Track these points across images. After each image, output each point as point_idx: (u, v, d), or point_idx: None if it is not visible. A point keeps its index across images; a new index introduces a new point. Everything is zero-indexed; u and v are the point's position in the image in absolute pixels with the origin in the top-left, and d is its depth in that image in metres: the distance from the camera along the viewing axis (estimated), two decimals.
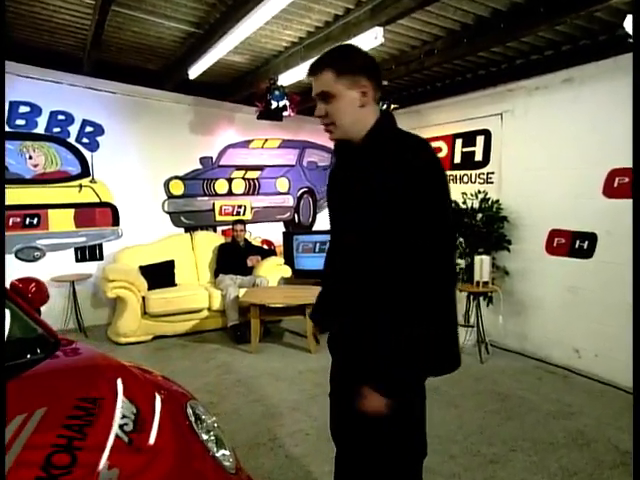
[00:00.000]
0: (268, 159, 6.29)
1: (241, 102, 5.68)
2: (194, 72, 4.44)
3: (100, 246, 5.28)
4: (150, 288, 4.79)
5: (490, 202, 4.34)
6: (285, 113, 4.72)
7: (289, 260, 5.77)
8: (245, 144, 6.12)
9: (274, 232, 6.29)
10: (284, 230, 6.38)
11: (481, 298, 4.26)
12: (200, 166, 5.84)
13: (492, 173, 4.56)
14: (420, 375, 1.30)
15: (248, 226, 5.82)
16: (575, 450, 2.68)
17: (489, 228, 4.29)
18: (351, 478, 1.54)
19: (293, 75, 4.35)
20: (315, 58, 1.33)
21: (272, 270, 5.34)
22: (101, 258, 5.27)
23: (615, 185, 3.52)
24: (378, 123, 1.31)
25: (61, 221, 5.05)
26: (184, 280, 5.27)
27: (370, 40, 3.26)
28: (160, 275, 5.06)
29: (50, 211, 4.98)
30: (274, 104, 4.57)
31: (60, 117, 4.98)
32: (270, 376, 3.82)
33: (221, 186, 6.00)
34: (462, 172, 4.89)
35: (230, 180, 6.05)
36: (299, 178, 6.53)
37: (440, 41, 3.76)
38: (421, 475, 1.47)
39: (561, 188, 3.91)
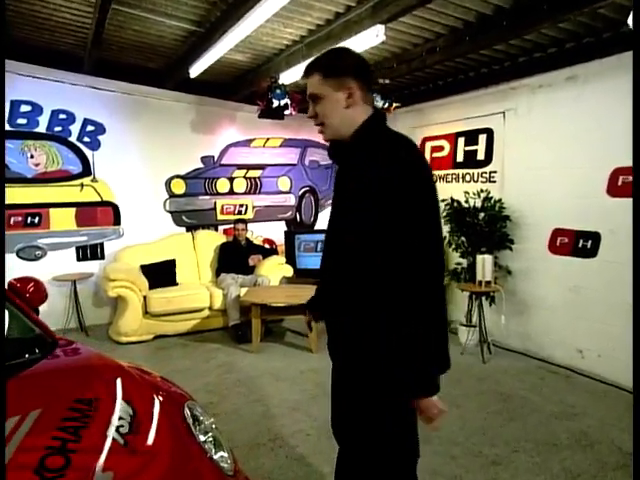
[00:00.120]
0: (270, 158, 6.27)
1: (242, 101, 5.66)
2: (195, 71, 4.42)
3: (101, 245, 5.27)
4: (151, 287, 4.78)
5: (492, 201, 4.31)
6: (286, 112, 4.70)
7: (291, 259, 5.75)
8: (247, 143, 6.10)
9: (276, 231, 6.28)
10: (286, 229, 6.36)
11: (483, 298, 4.23)
12: (201, 165, 5.82)
13: (494, 172, 4.53)
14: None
15: (250, 225, 5.80)
16: (578, 451, 2.66)
17: (491, 227, 4.26)
18: (351, 476, 1.55)
19: (294, 73, 4.33)
20: (310, 60, 1.39)
21: (274, 269, 5.32)
22: (102, 257, 5.27)
23: (619, 184, 3.48)
24: (365, 122, 1.34)
25: (62, 220, 5.04)
26: (185, 279, 5.25)
27: (371, 38, 3.24)
28: (161, 274, 5.05)
29: (51, 210, 4.98)
30: (275, 103, 4.55)
31: (61, 116, 4.97)
32: (271, 376, 3.81)
33: (223, 185, 5.99)
34: (464, 171, 4.86)
35: (232, 179, 6.04)
36: (301, 177, 6.51)
37: (442, 39, 3.73)
38: (416, 475, 1.49)
39: (564, 187, 3.88)
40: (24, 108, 4.79)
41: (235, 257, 5.30)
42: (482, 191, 4.40)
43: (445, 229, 4.56)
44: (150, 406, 1.44)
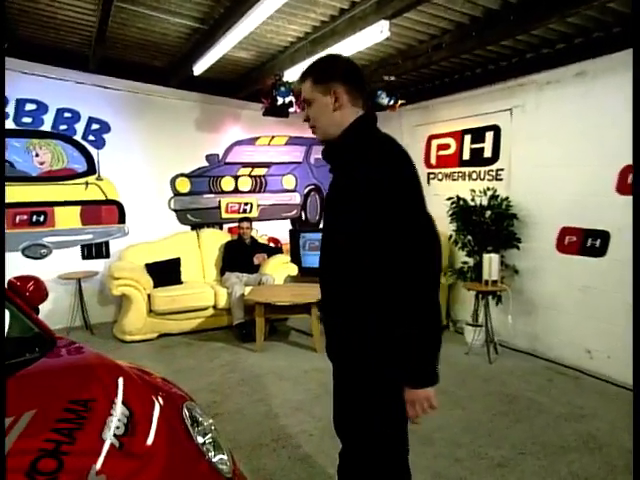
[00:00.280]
0: (275, 156, 6.25)
1: (247, 99, 5.63)
2: (199, 68, 4.40)
3: (106, 244, 5.27)
4: (156, 286, 4.77)
5: (499, 199, 4.25)
6: (291, 109, 4.67)
7: (295, 258, 5.72)
8: (252, 141, 6.08)
9: (281, 230, 6.25)
10: (291, 228, 6.33)
11: (490, 297, 4.18)
12: (206, 163, 5.81)
13: (501, 170, 4.47)
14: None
15: (254, 224, 5.78)
16: (586, 454, 2.61)
17: (498, 226, 4.20)
18: (352, 473, 1.59)
19: (299, 71, 4.27)
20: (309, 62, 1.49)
21: (278, 268, 5.30)
22: (107, 256, 5.27)
23: (629, 181, 3.42)
24: (352, 124, 1.42)
25: (67, 218, 5.05)
26: (190, 278, 5.25)
27: (376, 34, 3.20)
28: (166, 273, 5.04)
29: (56, 209, 4.99)
30: (280, 100, 4.52)
31: (66, 114, 4.97)
32: (275, 375, 3.78)
33: (227, 183, 5.97)
34: (471, 169, 4.80)
35: (236, 177, 6.02)
36: (306, 175, 6.48)
37: (448, 35, 3.68)
38: (409, 469, 1.54)
39: (573, 185, 3.82)
40: (29, 107, 4.80)
41: (240, 256, 5.28)
42: (489, 189, 4.34)
43: (451, 228, 4.51)
44: (147, 407, 1.42)
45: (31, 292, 1.97)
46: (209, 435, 1.53)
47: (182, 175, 5.67)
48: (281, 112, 4.71)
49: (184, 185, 5.70)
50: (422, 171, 5.38)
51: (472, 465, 2.52)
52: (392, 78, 4.49)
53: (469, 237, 4.41)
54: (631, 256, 3.32)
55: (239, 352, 4.36)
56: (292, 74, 4.42)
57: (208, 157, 5.81)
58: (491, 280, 4.04)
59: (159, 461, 1.22)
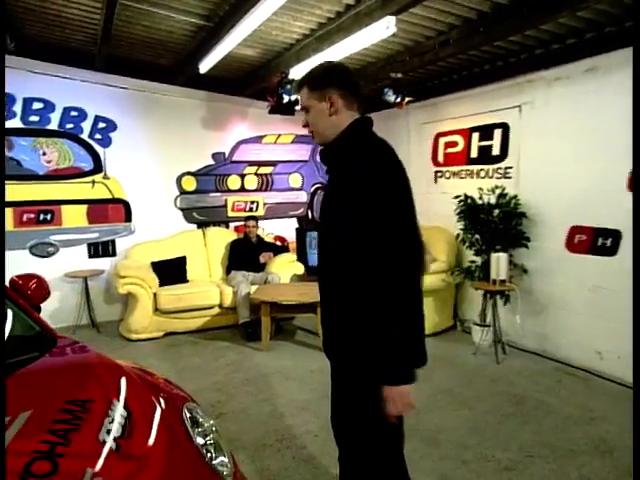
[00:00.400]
0: (281, 154, 6.22)
1: (254, 97, 5.62)
2: (205, 66, 4.39)
3: (113, 242, 5.28)
4: (162, 284, 4.77)
5: (508, 197, 4.19)
6: (297, 107, 4.63)
7: (302, 257, 5.70)
8: (258, 139, 6.06)
9: (287, 228, 6.23)
10: (297, 226, 6.31)
11: (498, 297, 4.12)
12: (212, 162, 5.80)
13: (510, 168, 4.41)
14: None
15: (261, 222, 5.77)
16: (597, 458, 2.55)
17: (506, 224, 4.14)
18: (352, 474, 1.63)
19: (305, 68, 4.26)
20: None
21: (284, 267, 5.28)
22: (114, 254, 5.28)
23: None
24: (348, 127, 1.48)
25: (74, 217, 5.07)
26: (196, 276, 5.24)
27: (382, 30, 3.16)
28: (172, 271, 5.04)
29: (63, 207, 5.00)
30: (286, 98, 4.49)
31: (73, 113, 4.99)
32: (280, 375, 3.76)
33: (234, 182, 5.96)
34: (478, 167, 4.74)
35: (243, 176, 6.01)
36: (312, 174, 6.45)
37: (455, 30, 3.62)
38: (406, 468, 1.58)
39: (583, 183, 3.75)
40: (36, 105, 4.81)
41: (246, 254, 5.26)
42: (497, 187, 4.28)
43: (458, 226, 4.46)
44: (146, 408, 1.40)
45: (33, 291, 1.96)
46: (210, 436, 1.51)
47: (188, 173, 5.67)
48: (287, 110, 4.68)
49: (190, 183, 5.69)
50: (429, 169, 5.33)
51: (479, 467, 2.48)
52: (399, 75, 4.44)
53: (477, 236, 4.35)
54: None
55: (245, 351, 4.35)
56: (298, 71, 4.38)
57: (214, 155, 5.80)
58: (499, 279, 3.98)
59: (157, 463, 1.20)
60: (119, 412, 1.30)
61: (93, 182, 5.12)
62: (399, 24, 3.23)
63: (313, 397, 3.33)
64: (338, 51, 3.76)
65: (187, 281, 5.09)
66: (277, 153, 6.19)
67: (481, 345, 4.16)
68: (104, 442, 1.16)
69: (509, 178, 4.41)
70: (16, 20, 4.04)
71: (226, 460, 1.46)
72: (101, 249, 5.23)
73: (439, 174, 5.24)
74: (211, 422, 1.59)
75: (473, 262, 4.44)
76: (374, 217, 1.31)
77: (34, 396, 1.29)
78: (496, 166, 4.54)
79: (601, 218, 3.64)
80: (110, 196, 5.22)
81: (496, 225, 4.19)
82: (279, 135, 6.16)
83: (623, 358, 3.52)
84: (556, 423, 2.93)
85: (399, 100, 4.71)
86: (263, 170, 6.13)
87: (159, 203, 5.50)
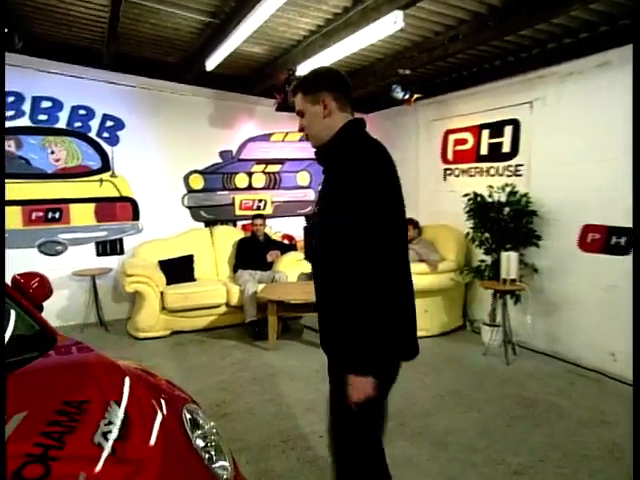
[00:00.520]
0: (289, 152, 6.18)
1: (261, 95, 5.58)
2: (212, 63, 4.36)
3: (120, 240, 5.29)
4: (169, 283, 4.76)
5: (518, 195, 4.11)
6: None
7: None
8: (266, 137, 6.03)
9: (295, 227, 6.19)
10: (305, 225, 6.27)
11: (508, 296, 4.05)
12: (220, 160, 5.78)
13: (521, 165, 4.33)
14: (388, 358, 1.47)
15: (268, 220, 5.74)
16: (610, 463, 2.48)
17: (517, 223, 4.06)
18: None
19: (312, 65, 4.21)
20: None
21: (292, 265, 5.24)
22: (122, 252, 5.28)
23: None
24: (341, 129, 1.53)
25: (82, 215, 5.08)
26: (203, 275, 5.23)
27: (389, 25, 3.10)
28: (179, 270, 5.03)
29: (71, 205, 5.02)
30: None
31: (81, 112, 5.00)
32: (286, 374, 3.73)
33: (241, 180, 5.94)
34: (488, 164, 4.66)
35: (250, 174, 5.98)
36: (320, 172, 6.36)
37: (465, 25, 3.55)
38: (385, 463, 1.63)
39: (596, 180, 3.66)
40: (45, 104, 4.83)
41: (253, 253, 5.24)
42: (507, 185, 4.20)
43: (468, 225, 4.39)
44: (144, 410, 1.37)
45: (34, 289, 1.94)
46: (210, 439, 1.47)
47: (196, 172, 5.65)
48: (294, 107, 4.63)
49: (198, 182, 5.68)
50: (438, 167, 5.26)
51: (488, 471, 2.42)
52: (407, 72, 4.37)
53: (486, 234, 4.28)
54: None
55: (251, 350, 4.32)
56: (305, 68, 4.34)
57: (222, 153, 5.78)
58: (509, 279, 3.91)
59: (154, 467, 1.17)
60: (116, 414, 1.27)
61: (101, 180, 5.12)
62: (407, 19, 3.17)
63: (319, 397, 3.28)
64: (345, 47, 3.71)
65: (194, 280, 5.08)
66: (285, 151, 6.16)
67: (491, 345, 4.09)
68: (99, 445, 1.13)
69: (520, 176, 4.33)
70: (24, 19, 4.05)
71: (226, 464, 1.43)
72: (109, 247, 5.24)
73: (448, 172, 5.17)
74: (212, 424, 1.56)
75: (483, 261, 4.37)
76: (362, 218, 1.35)
77: (30, 397, 1.26)
78: (506, 163, 4.46)
79: (615, 216, 3.55)
80: (118, 194, 5.23)
81: (506, 223, 4.11)
82: (287, 133, 6.12)
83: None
84: (568, 426, 2.86)
85: (407, 97, 4.64)
86: (271, 168, 6.10)
87: (167, 201, 5.50)
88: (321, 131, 1.55)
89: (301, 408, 3.14)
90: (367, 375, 1.38)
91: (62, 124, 4.92)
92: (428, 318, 4.52)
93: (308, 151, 6.28)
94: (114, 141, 5.16)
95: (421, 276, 4.44)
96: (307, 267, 5.39)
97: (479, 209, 4.26)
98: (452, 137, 5.10)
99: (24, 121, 4.74)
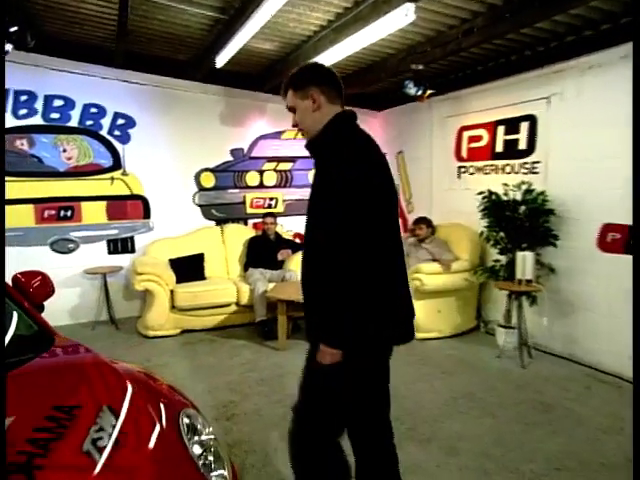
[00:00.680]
0: (300, 150, 6.05)
1: (272, 92, 5.51)
2: (222, 59, 4.31)
3: (132, 239, 5.29)
4: (180, 281, 4.74)
5: (535, 194, 3.99)
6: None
7: None
8: (277, 135, 5.98)
9: None
10: None
11: (523, 297, 3.93)
12: (231, 158, 5.75)
13: (537, 162, 4.20)
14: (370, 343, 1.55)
15: (280, 219, 5.69)
16: (630, 473, 2.37)
17: (533, 222, 3.94)
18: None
19: (323, 60, 4.13)
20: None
21: None
22: (133, 250, 5.29)
23: None
24: (329, 122, 1.57)
25: (94, 213, 5.09)
26: (214, 273, 5.20)
27: (401, 18, 3.01)
28: (190, 268, 5.01)
29: (83, 204, 5.03)
30: None
31: (93, 110, 5.00)
32: (295, 375, 3.61)
33: (252, 178, 5.90)
34: (504, 162, 4.54)
35: (261, 172, 5.94)
36: None
37: (480, 18, 3.44)
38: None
39: (616, 178, 3.52)
40: (57, 103, 4.84)
41: (264, 251, 5.19)
42: (523, 183, 4.08)
43: (482, 224, 4.28)
44: (139, 416, 1.31)
45: (35, 288, 1.91)
46: (208, 446, 1.42)
47: (207, 170, 5.63)
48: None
49: (209, 180, 5.65)
50: (452, 164, 5.15)
51: (501, 479, 2.34)
52: (420, 67, 4.27)
53: (501, 234, 4.16)
54: None
55: (260, 350, 4.28)
56: None
57: (233, 151, 5.75)
58: (525, 279, 3.80)
59: (145, 476, 1.11)
60: (108, 420, 1.22)
61: (112, 179, 5.13)
62: (419, 12, 3.08)
63: None
64: (356, 42, 3.64)
65: (204, 278, 5.06)
66: (296, 149, 6.08)
67: (505, 348, 3.97)
68: (88, 453, 1.09)
69: (536, 173, 4.20)
70: (36, 18, 4.05)
71: (225, 472, 1.37)
72: (120, 246, 5.24)
73: (462, 169, 5.05)
74: (211, 430, 1.50)
75: (497, 261, 4.26)
76: (351, 212, 1.39)
77: (20, 401, 1.22)
78: (522, 161, 4.33)
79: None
80: (129, 192, 5.23)
81: (522, 222, 3.99)
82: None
83: None
84: (586, 434, 2.75)
85: (420, 93, 4.53)
86: (282, 166, 6.05)
87: (177, 200, 5.49)
88: (312, 125, 1.59)
89: None
90: (334, 348, 1.50)
91: (74, 122, 4.93)
92: (441, 319, 4.43)
93: None
94: (125, 139, 5.16)
95: (434, 276, 4.35)
96: None
97: (494, 207, 4.15)
98: (466, 134, 4.98)
99: (36, 119, 4.76)
